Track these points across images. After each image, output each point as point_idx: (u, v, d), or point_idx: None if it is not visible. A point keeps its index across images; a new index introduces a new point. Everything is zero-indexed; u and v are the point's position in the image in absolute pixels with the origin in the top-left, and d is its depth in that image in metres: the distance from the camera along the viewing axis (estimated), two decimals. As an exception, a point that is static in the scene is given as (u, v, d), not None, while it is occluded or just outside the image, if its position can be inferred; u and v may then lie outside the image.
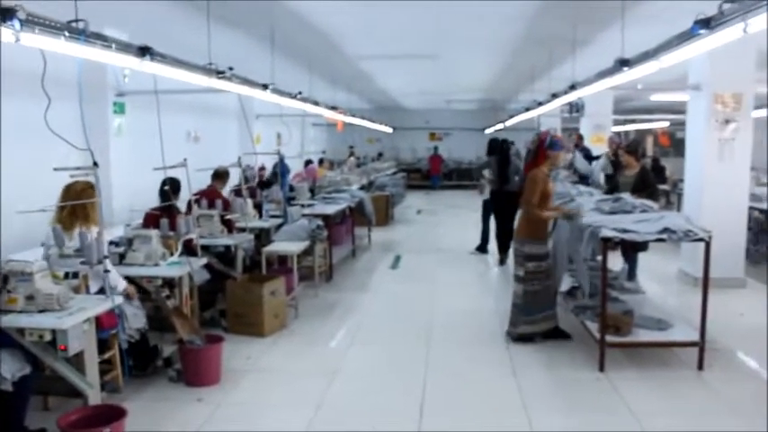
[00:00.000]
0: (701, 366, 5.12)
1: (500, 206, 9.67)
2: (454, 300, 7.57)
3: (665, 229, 5.02)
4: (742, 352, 5.65)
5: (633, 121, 21.94)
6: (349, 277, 8.74)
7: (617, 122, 19.39)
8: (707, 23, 3.99)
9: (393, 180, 16.19)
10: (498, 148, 9.78)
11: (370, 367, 5.39)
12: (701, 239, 5.03)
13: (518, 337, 5.81)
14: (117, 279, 4.53)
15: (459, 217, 14.90)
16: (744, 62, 7.65)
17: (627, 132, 24.17)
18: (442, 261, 9.87)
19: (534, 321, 5.78)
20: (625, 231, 5.05)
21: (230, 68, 6.42)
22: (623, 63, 5.81)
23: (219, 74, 6.21)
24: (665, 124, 20.89)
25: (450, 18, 7.42)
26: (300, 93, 9.90)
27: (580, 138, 12.62)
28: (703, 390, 4.83)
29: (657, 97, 16.28)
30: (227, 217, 6.91)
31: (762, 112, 11.90)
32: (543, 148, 5.71)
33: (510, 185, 9.45)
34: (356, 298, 7.60)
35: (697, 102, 8.03)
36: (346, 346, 5.95)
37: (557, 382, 5.00)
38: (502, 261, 9.59)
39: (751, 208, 8.69)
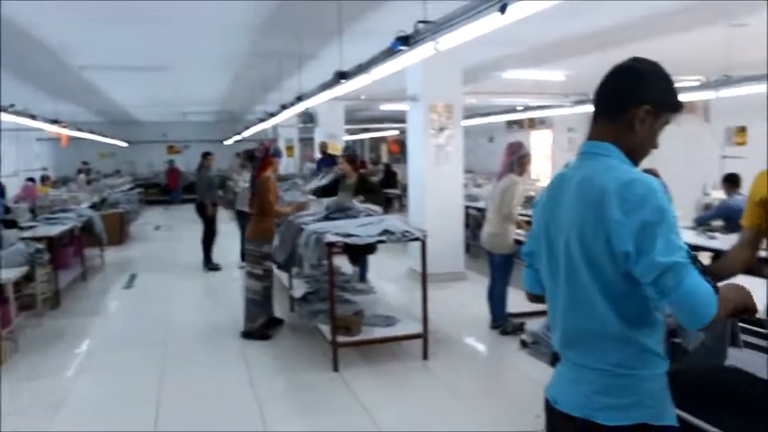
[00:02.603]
0: (425, 356, 5.53)
1: (200, 215, 10.18)
2: (190, 314, 7.42)
3: (385, 231, 5.37)
4: (462, 339, 6.22)
5: (367, 130, 23.15)
6: (79, 301, 8.14)
7: (351, 131, 20.34)
8: (406, 40, 4.35)
9: (128, 196, 15.42)
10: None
11: (100, 395, 5.08)
12: (416, 239, 5.46)
13: (258, 331, 6.24)
14: None
15: (198, 232, 14.56)
16: (453, 77, 8.53)
17: (362, 140, 25.47)
18: (180, 277, 9.60)
19: (269, 313, 6.42)
20: (348, 236, 5.31)
21: None
22: (341, 76, 6.12)
23: None
24: (396, 132, 22.30)
25: (176, 30, 7.23)
26: (14, 105, 9.09)
27: (324, 144, 13.09)
28: (428, 377, 5.23)
29: (386, 107, 17.30)
30: None
31: (470, 122, 13.27)
32: (269, 155, 6.30)
33: (200, 196, 10.05)
34: (86, 323, 7.11)
35: (416, 111, 8.70)
36: (74, 375, 5.54)
37: (292, 386, 5.12)
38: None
39: (468, 207, 9.60)
